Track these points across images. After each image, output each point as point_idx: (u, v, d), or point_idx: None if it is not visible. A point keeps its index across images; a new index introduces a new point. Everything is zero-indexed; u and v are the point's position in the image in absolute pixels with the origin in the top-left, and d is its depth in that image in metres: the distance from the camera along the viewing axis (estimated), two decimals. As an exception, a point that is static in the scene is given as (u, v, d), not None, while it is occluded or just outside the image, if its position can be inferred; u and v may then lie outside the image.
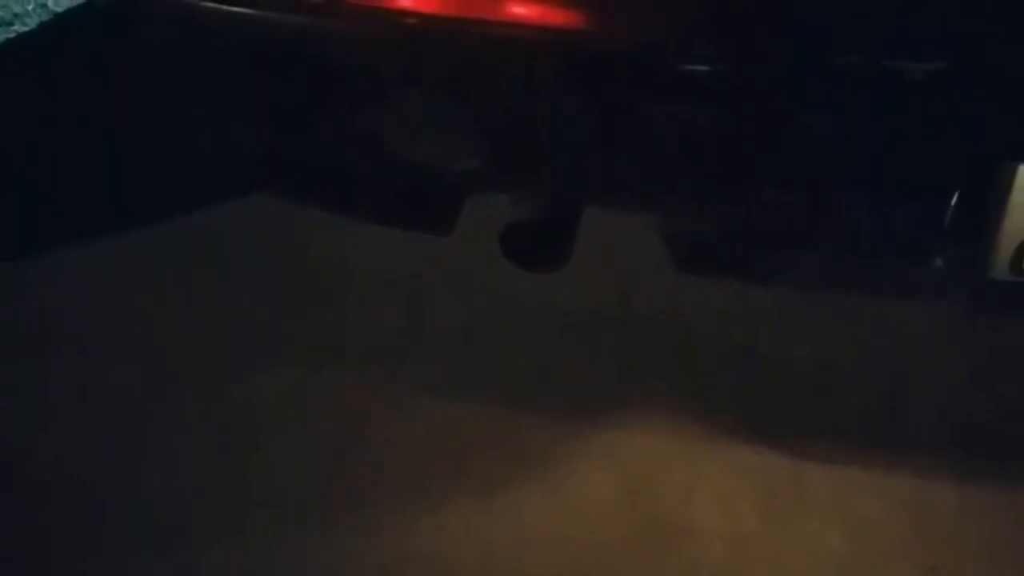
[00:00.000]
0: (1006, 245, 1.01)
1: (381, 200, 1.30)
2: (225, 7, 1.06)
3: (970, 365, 1.59)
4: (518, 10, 0.97)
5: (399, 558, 1.41)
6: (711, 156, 1.03)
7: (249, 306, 1.72)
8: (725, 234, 1.17)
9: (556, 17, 0.97)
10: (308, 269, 1.78)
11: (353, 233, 1.59)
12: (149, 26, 1.19)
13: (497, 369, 1.61)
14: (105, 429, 1.57)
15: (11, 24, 2.17)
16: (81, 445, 1.54)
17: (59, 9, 2.19)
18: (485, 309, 1.69)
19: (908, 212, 1.04)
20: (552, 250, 1.32)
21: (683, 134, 1.01)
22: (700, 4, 0.96)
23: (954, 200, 1.01)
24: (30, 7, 2.21)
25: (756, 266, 1.18)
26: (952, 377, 1.58)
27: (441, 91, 1.05)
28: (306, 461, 1.52)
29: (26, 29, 2.16)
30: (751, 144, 1.01)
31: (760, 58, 0.96)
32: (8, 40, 2.13)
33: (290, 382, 1.61)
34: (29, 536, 1.44)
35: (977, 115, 0.96)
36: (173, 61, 1.22)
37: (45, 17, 2.18)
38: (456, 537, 1.43)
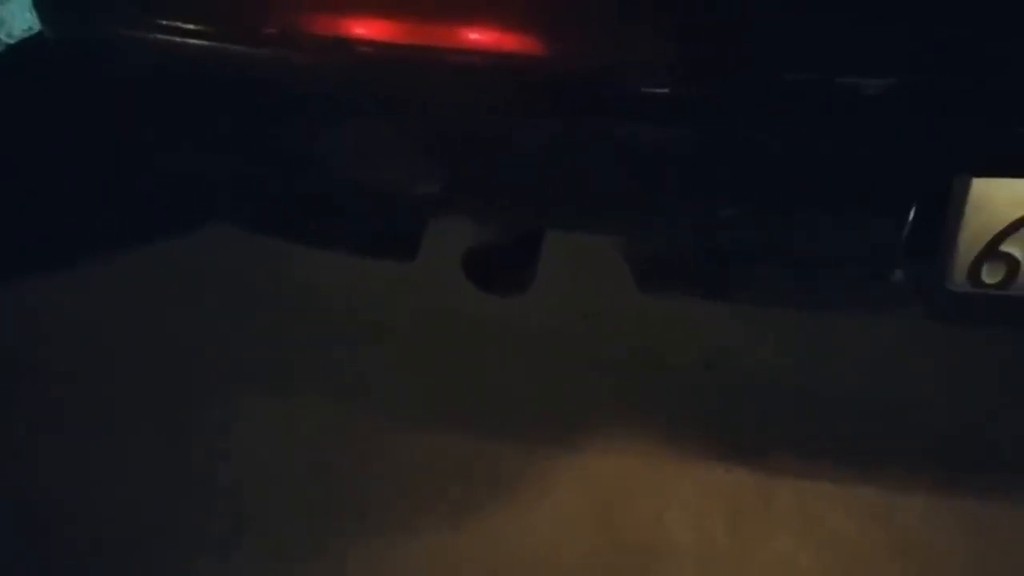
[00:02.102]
0: (963, 257, 1.02)
1: (342, 227, 1.29)
2: (181, 39, 1.06)
3: (936, 376, 1.61)
4: (474, 36, 0.98)
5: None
6: (670, 176, 1.04)
7: (214, 334, 1.71)
8: (687, 253, 1.17)
9: (512, 43, 0.97)
10: (273, 296, 1.77)
11: (316, 260, 1.58)
12: (103, 59, 1.18)
13: (465, 393, 1.61)
14: (79, 452, 1.55)
15: (-38, 57, 2.14)
16: (54, 471, 1.53)
17: (11, 41, 2.16)
18: (450, 333, 1.69)
19: (867, 226, 1.05)
20: (516, 272, 1.32)
21: (641, 156, 1.01)
22: (655, 27, 0.96)
23: (912, 214, 1.02)
24: (-19, 39, 2.18)
25: (719, 284, 1.18)
26: (919, 388, 1.60)
27: (399, 118, 1.05)
28: (277, 488, 1.51)
29: (-22, 62, 2.13)
30: (709, 163, 1.02)
31: (715, 77, 0.97)
32: (-41, 73, 2.11)
33: (257, 410, 1.60)
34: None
35: (931, 129, 0.97)
36: (129, 93, 1.20)
37: (-2, 49, 2.16)
38: (429, 562, 1.42)
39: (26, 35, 2.14)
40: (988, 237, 1.01)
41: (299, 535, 1.44)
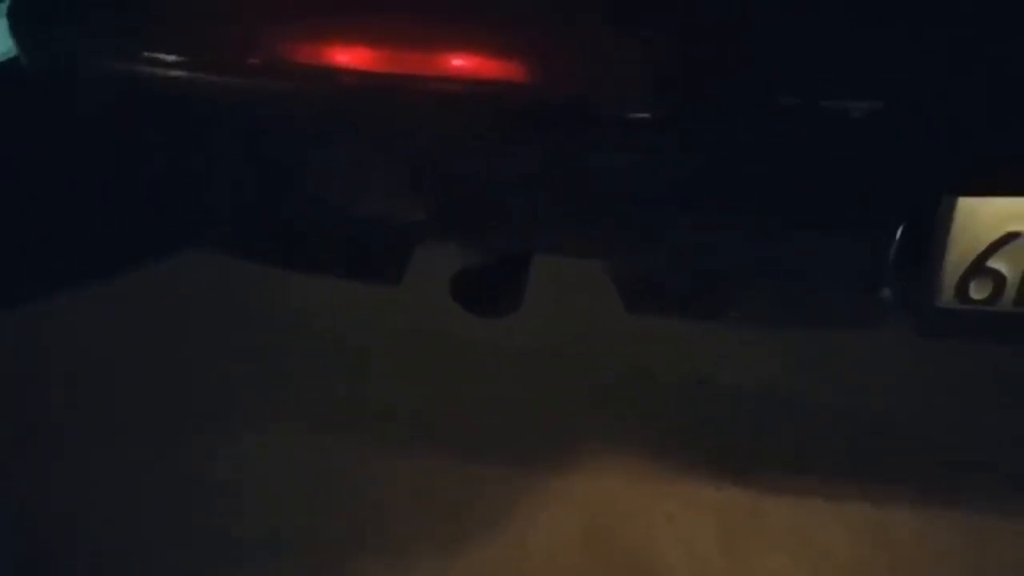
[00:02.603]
0: (951, 273, 1.03)
1: (327, 252, 1.28)
2: (162, 70, 1.05)
3: (926, 388, 1.61)
4: (456, 63, 0.97)
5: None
6: (656, 199, 1.03)
7: (195, 363, 1.70)
8: (675, 274, 1.17)
9: (494, 71, 0.97)
10: (255, 322, 1.75)
11: (305, 281, 1.58)
12: (82, 87, 1.17)
13: (454, 414, 1.60)
14: (79, 453, 1.53)
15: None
16: (56, 504, 1.51)
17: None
18: (439, 354, 1.68)
19: (855, 246, 1.05)
20: (503, 294, 1.31)
21: (626, 180, 1.01)
22: (637, 51, 0.96)
23: (899, 233, 1.02)
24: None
25: (707, 304, 1.18)
26: (909, 401, 1.59)
27: (382, 146, 1.04)
28: (263, 517, 1.49)
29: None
30: (696, 186, 1.02)
31: (700, 102, 0.97)
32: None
33: (244, 439, 1.59)
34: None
35: (917, 151, 0.97)
36: (106, 120, 1.20)
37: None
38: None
39: (4, 59, 2.13)
40: (975, 254, 1.02)
41: (290, 567, 1.43)
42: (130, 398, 1.63)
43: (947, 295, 1.04)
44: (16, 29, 1.21)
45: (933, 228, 1.00)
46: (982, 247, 1.01)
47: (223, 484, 1.53)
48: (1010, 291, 1.03)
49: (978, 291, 1.04)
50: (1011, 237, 1.00)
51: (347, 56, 1.00)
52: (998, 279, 1.03)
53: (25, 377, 1.66)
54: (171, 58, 1.05)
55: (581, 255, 1.18)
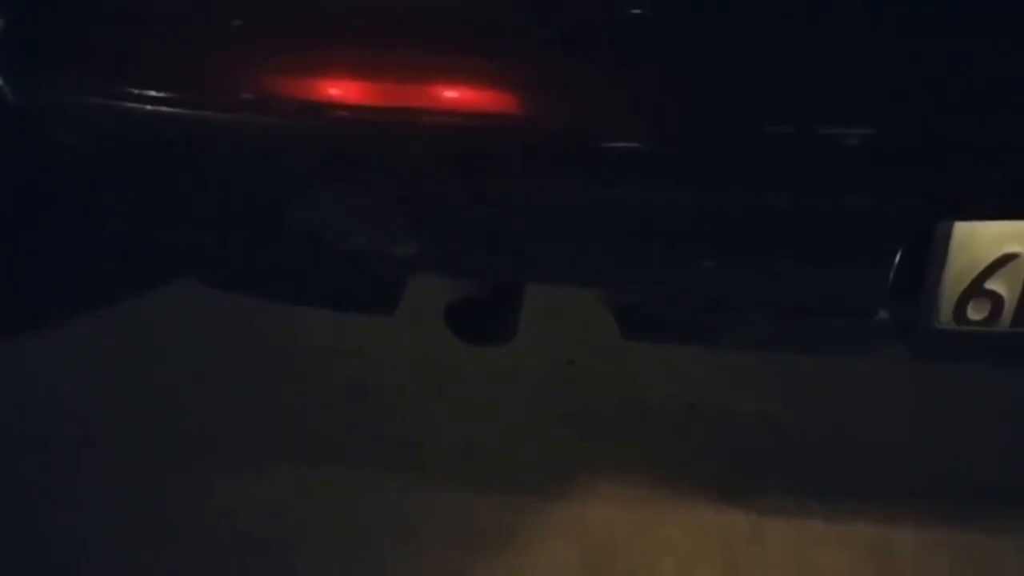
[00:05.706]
0: (949, 296, 1.03)
1: (320, 285, 1.27)
2: (151, 107, 1.04)
3: (919, 411, 1.61)
4: (448, 97, 0.97)
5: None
6: (651, 230, 1.03)
7: (183, 394, 1.68)
8: (671, 302, 1.17)
9: (485, 104, 0.97)
10: (246, 351, 1.74)
11: (295, 312, 1.56)
12: (72, 125, 1.16)
13: (448, 443, 1.59)
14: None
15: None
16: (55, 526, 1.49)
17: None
18: (431, 385, 1.67)
19: (853, 272, 1.05)
20: (498, 323, 1.31)
21: (623, 212, 1.01)
22: (630, 83, 0.96)
23: (897, 258, 1.02)
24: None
25: (704, 331, 1.18)
26: (903, 424, 1.59)
27: (374, 180, 1.03)
28: (254, 552, 1.48)
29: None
30: (692, 215, 1.01)
31: (697, 132, 0.96)
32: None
33: (236, 473, 1.57)
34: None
35: (914, 176, 0.97)
36: (101, 159, 1.19)
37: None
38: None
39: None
40: (972, 276, 1.02)
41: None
42: (127, 429, 1.61)
43: (945, 317, 1.04)
44: (2, 64, 1.19)
45: (931, 251, 1.00)
46: (980, 269, 1.01)
47: (220, 514, 1.51)
48: (1008, 311, 1.03)
49: (976, 312, 1.04)
50: (1008, 258, 1.00)
51: (336, 91, 1.00)
52: (996, 300, 1.03)
53: (18, 405, 1.63)
54: (160, 95, 1.04)
55: (576, 285, 1.18)
